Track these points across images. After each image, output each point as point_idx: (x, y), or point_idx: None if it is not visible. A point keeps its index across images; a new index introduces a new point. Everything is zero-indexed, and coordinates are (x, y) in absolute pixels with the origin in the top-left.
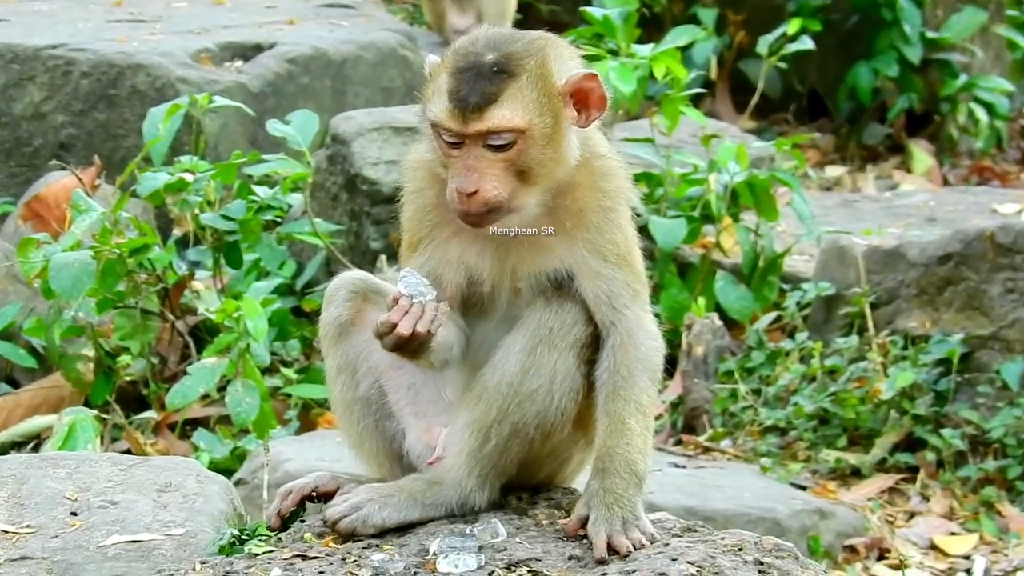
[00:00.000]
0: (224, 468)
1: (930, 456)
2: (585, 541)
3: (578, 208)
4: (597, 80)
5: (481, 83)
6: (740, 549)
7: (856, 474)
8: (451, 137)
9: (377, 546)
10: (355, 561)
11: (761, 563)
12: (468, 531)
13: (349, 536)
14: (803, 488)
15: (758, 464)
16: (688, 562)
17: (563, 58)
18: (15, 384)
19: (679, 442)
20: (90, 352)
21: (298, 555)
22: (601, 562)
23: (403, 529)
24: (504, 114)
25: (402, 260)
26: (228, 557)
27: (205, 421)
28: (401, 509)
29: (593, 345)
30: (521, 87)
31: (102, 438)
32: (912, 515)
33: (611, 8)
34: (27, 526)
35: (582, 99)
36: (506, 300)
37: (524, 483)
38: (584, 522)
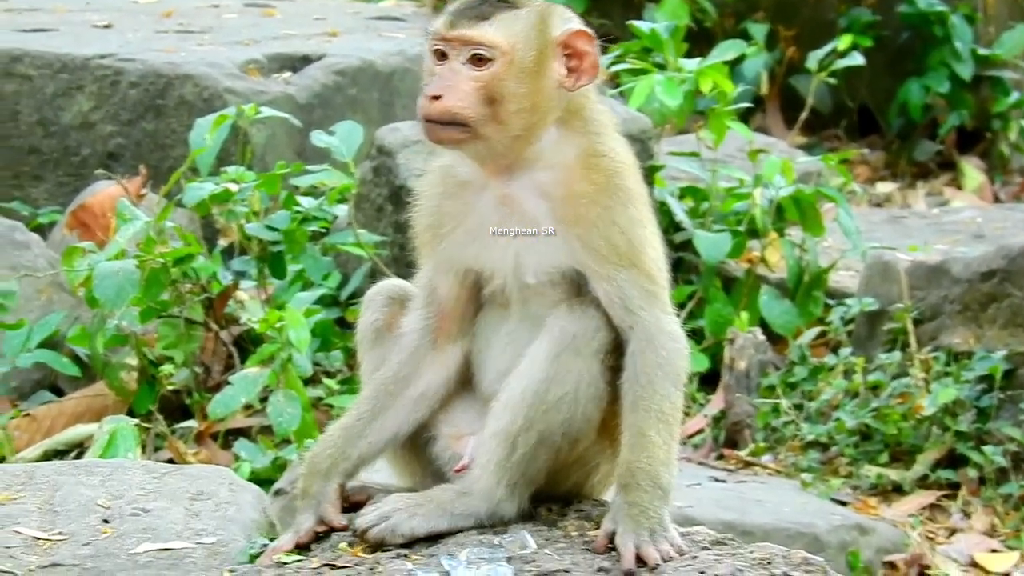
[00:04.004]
0: (265, 478)
1: (972, 473)
2: (614, 553)
3: (566, 195)
4: (593, 43)
5: (482, 5)
6: (768, 563)
7: (897, 490)
8: (437, 44)
9: (406, 556)
10: (383, 571)
11: None
12: (497, 542)
13: (378, 545)
14: (844, 504)
15: (799, 479)
16: (716, 575)
17: (569, 19)
18: (59, 393)
19: (720, 456)
20: (134, 361)
21: (327, 564)
22: (629, 574)
23: (432, 539)
24: (490, 30)
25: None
26: (256, 566)
27: (247, 431)
28: (430, 519)
29: (617, 351)
30: (517, 16)
31: (144, 447)
32: (953, 532)
33: (660, 22)
34: (59, 533)
35: (576, 60)
36: (519, 297)
37: (552, 492)
38: (612, 537)
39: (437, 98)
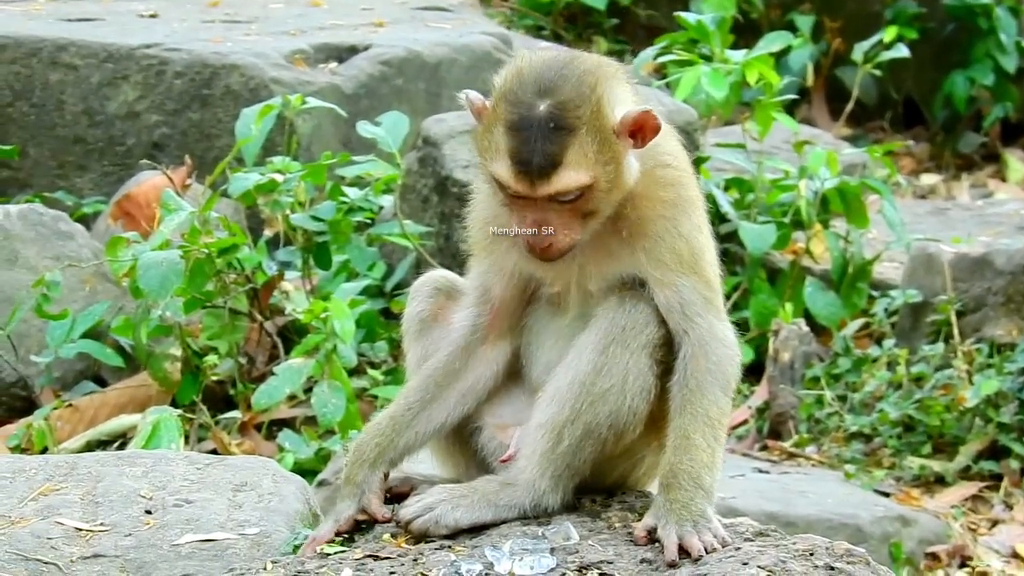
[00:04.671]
0: (309, 469)
1: (1014, 464)
2: (657, 545)
3: (638, 217)
4: (650, 114)
5: (541, 143)
6: (811, 554)
7: (940, 481)
8: (516, 199)
9: (449, 547)
10: (426, 562)
11: (832, 568)
12: (540, 533)
13: (422, 536)
14: (887, 495)
15: (842, 470)
16: (759, 566)
17: (615, 93)
18: (102, 383)
19: (764, 447)
20: (177, 352)
21: (370, 555)
22: (672, 565)
23: (476, 530)
24: (570, 175)
25: (470, 265)
26: (300, 557)
27: (291, 422)
28: (474, 510)
29: (667, 346)
30: (582, 142)
31: (187, 438)
32: (995, 523)
33: (706, 14)
34: (101, 524)
35: (637, 129)
36: (578, 300)
37: (597, 484)
38: (652, 531)
39: (545, 242)
